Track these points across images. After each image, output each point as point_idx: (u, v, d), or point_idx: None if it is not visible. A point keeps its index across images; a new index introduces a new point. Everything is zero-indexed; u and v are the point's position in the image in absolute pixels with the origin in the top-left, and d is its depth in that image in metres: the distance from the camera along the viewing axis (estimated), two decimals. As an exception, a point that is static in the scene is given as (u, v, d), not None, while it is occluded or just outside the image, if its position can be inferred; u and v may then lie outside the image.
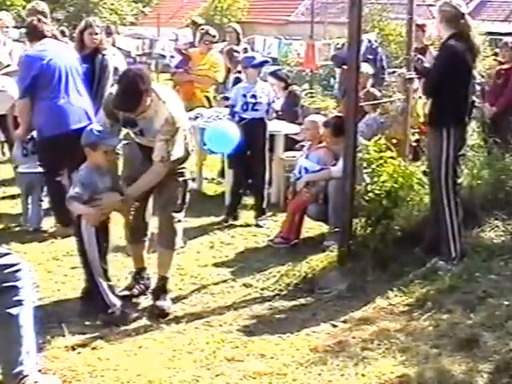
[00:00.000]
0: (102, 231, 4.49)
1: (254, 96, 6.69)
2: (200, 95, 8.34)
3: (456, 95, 5.07)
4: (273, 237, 6.11)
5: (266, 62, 7.49)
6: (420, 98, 6.99)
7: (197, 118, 7.63)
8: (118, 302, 4.48)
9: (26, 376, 3.42)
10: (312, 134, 6.41)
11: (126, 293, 4.82)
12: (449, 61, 5.05)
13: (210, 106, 8.39)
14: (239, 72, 7.67)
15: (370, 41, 10.80)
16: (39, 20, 6.01)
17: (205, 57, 8.47)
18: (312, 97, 9.50)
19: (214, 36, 8.62)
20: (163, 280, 4.77)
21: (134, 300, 4.82)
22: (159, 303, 4.67)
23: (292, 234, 6.01)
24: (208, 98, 8.49)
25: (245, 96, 6.69)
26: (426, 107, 6.58)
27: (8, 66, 7.05)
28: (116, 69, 6.98)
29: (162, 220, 4.68)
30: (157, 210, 4.76)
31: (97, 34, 6.67)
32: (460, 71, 5.08)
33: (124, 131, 4.71)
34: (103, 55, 6.76)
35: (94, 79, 6.64)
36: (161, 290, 4.75)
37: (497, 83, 7.92)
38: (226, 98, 7.53)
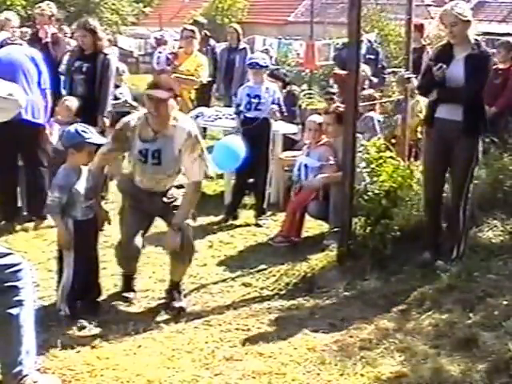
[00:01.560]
0: (86, 252, 4.46)
1: (257, 96, 6.75)
2: (186, 96, 8.25)
3: (482, 101, 5.03)
4: (273, 236, 6.12)
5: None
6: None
7: (197, 117, 7.63)
8: (66, 309, 4.39)
9: (26, 376, 3.43)
10: (314, 133, 6.41)
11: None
12: (489, 69, 5.03)
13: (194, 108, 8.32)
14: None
15: (370, 41, 10.83)
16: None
17: (189, 57, 8.43)
18: (310, 97, 9.49)
19: (192, 31, 8.59)
20: (177, 283, 4.80)
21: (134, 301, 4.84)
22: (177, 304, 4.70)
23: (293, 233, 6.01)
24: (190, 99, 8.42)
25: (249, 96, 6.76)
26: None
27: None
28: (117, 69, 6.95)
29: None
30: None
31: (85, 36, 6.66)
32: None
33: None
34: (105, 55, 6.74)
35: (95, 79, 6.64)
36: (176, 291, 4.78)
37: (494, 83, 7.91)
38: None
